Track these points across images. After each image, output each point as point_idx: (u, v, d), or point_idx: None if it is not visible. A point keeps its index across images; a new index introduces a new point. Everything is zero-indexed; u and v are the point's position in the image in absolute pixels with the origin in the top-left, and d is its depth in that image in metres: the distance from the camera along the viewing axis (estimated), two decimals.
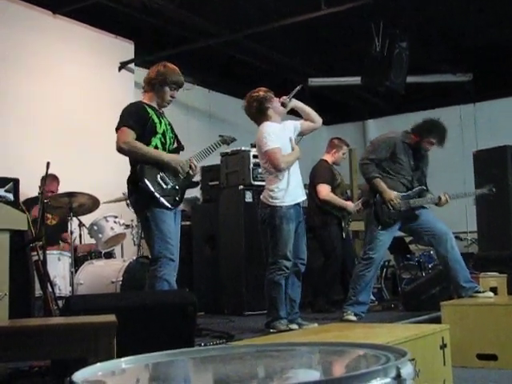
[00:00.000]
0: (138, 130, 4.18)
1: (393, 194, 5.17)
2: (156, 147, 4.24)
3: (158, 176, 4.20)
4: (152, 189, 4.13)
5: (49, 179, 6.13)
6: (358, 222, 7.14)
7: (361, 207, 5.88)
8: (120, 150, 4.16)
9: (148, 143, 4.20)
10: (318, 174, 6.58)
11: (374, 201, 5.20)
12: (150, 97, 4.38)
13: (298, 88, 4.85)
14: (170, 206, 4.19)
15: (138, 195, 4.24)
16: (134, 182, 4.21)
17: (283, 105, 4.78)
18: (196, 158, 4.51)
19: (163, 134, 4.30)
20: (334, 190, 6.55)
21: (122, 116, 4.24)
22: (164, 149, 4.30)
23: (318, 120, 4.96)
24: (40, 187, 5.56)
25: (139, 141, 4.17)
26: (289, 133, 4.78)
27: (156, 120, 4.27)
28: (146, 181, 4.14)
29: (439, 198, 5.35)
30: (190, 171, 4.37)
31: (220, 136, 4.96)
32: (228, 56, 8.83)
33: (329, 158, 6.72)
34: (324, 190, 6.46)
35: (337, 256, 6.51)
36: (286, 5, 7.35)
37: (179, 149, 4.45)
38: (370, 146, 5.46)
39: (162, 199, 4.15)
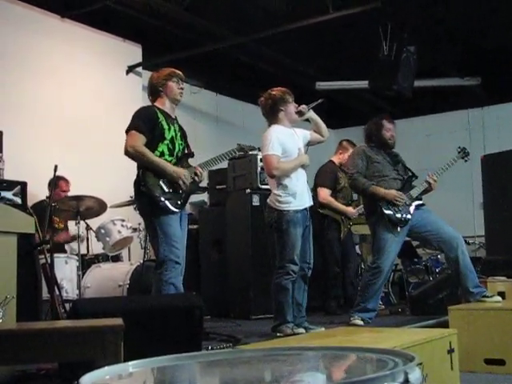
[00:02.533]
0: (148, 134, 4.18)
1: (394, 192, 5.15)
2: (163, 153, 4.24)
3: (161, 180, 4.19)
4: (153, 192, 4.13)
5: (62, 181, 6.18)
6: (365, 225, 7.14)
7: (362, 212, 5.93)
8: (127, 153, 4.18)
9: (155, 148, 4.20)
10: (320, 176, 6.72)
11: (380, 208, 5.13)
12: (161, 101, 4.39)
13: (319, 101, 4.87)
14: (173, 208, 4.18)
15: (141, 199, 4.25)
16: (138, 186, 4.22)
17: (300, 113, 4.76)
18: (209, 163, 4.52)
19: (171, 141, 4.29)
20: (335, 194, 6.61)
21: (133, 119, 4.25)
22: (171, 155, 4.29)
23: (326, 134, 4.99)
24: (50, 190, 5.57)
25: (147, 146, 4.17)
26: (298, 140, 4.75)
27: (165, 126, 4.26)
28: (147, 184, 4.14)
29: (428, 183, 5.32)
30: (196, 178, 4.37)
31: (238, 144, 4.95)
32: (235, 59, 8.82)
33: (336, 159, 6.86)
34: (323, 193, 6.58)
35: (336, 259, 6.59)
36: (293, 8, 7.35)
37: (188, 155, 4.45)
38: (347, 164, 5.54)
39: (164, 202, 4.15)
